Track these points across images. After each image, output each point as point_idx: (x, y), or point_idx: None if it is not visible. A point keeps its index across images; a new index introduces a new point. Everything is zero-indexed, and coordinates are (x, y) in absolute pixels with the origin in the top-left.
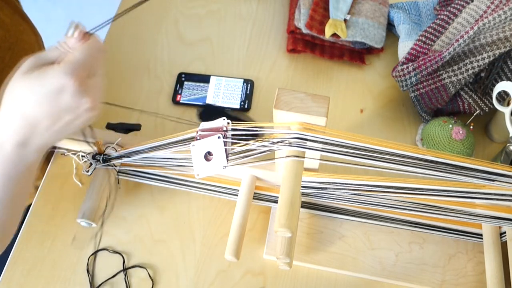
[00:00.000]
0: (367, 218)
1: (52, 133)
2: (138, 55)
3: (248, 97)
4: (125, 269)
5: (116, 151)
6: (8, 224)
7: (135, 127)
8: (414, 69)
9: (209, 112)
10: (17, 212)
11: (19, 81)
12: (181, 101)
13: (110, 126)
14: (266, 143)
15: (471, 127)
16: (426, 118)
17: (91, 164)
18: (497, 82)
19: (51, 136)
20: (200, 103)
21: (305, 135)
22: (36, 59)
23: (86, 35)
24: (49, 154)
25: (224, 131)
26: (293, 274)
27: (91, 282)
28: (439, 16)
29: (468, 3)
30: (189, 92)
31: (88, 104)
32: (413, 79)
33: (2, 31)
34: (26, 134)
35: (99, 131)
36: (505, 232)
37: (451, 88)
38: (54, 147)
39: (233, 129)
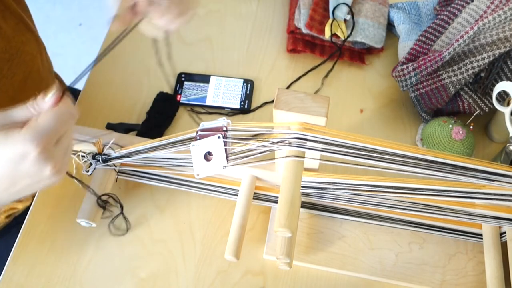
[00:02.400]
0: (367, 218)
1: (9, 194)
2: (138, 55)
3: (248, 97)
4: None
5: (116, 151)
6: None
7: (135, 127)
8: (414, 69)
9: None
10: None
11: None
12: (181, 101)
13: (110, 126)
14: (266, 143)
15: (471, 127)
16: (426, 118)
17: (91, 164)
18: (497, 82)
19: (8, 196)
20: (200, 103)
21: (305, 135)
22: (2, 118)
23: (60, 98)
24: None
25: (224, 131)
26: (293, 274)
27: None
28: (439, 16)
29: (468, 3)
30: (189, 92)
31: (50, 171)
32: (413, 79)
33: (3, 42)
34: None
35: (99, 131)
36: (505, 232)
37: (451, 88)
38: None
39: (233, 129)
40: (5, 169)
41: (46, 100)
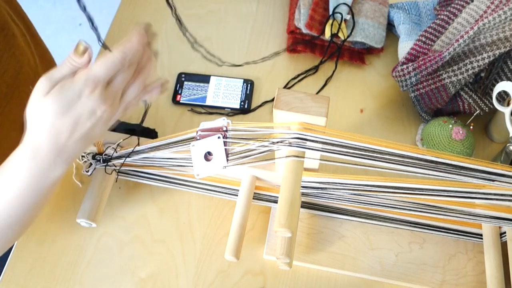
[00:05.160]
0: (367, 218)
1: (76, 141)
2: None
3: (248, 97)
4: None
5: (116, 151)
6: (13, 238)
7: (135, 127)
8: (414, 69)
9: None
10: (26, 228)
11: (40, 103)
12: (181, 101)
13: None
14: (266, 143)
15: (471, 127)
16: (426, 118)
17: (91, 164)
18: (497, 82)
19: (76, 144)
20: (200, 103)
21: (305, 135)
22: (49, 78)
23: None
24: None
25: (224, 131)
26: (293, 274)
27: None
28: (439, 16)
29: (468, 3)
30: (189, 92)
31: (106, 108)
32: (413, 79)
33: None
34: (55, 143)
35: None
36: (505, 232)
37: (451, 88)
38: None
39: (233, 129)
40: (67, 115)
41: (80, 55)
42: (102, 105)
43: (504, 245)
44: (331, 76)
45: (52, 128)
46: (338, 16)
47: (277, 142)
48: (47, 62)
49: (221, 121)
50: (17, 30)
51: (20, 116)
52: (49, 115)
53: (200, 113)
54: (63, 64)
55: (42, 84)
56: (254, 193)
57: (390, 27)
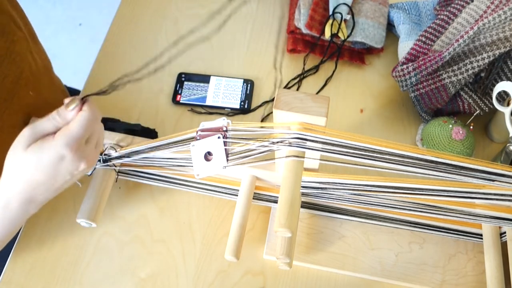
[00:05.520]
0: (367, 218)
1: (52, 191)
2: (138, 55)
3: (248, 97)
4: None
5: (116, 151)
6: None
7: (135, 127)
8: (414, 69)
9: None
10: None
11: (20, 155)
12: (181, 101)
13: (109, 126)
14: (266, 143)
15: (471, 127)
16: (426, 118)
17: None
18: (497, 82)
19: (51, 193)
20: (200, 103)
21: (305, 135)
22: (32, 132)
23: (82, 104)
24: None
25: (224, 131)
26: (293, 274)
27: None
28: (439, 16)
29: (468, 3)
30: (189, 92)
31: (85, 166)
32: (413, 79)
33: None
34: (30, 194)
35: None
36: (505, 232)
37: (451, 88)
38: None
39: (233, 129)
40: (46, 172)
41: (70, 111)
42: (82, 164)
43: (504, 245)
44: (331, 76)
45: (29, 179)
46: (338, 16)
47: (277, 142)
48: (46, 69)
49: (221, 121)
50: (19, 35)
51: (19, 121)
52: (28, 167)
53: (200, 113)
54: (47, 119)
55: (24, 135)
56: (254, 193)
57: (390, 27)
